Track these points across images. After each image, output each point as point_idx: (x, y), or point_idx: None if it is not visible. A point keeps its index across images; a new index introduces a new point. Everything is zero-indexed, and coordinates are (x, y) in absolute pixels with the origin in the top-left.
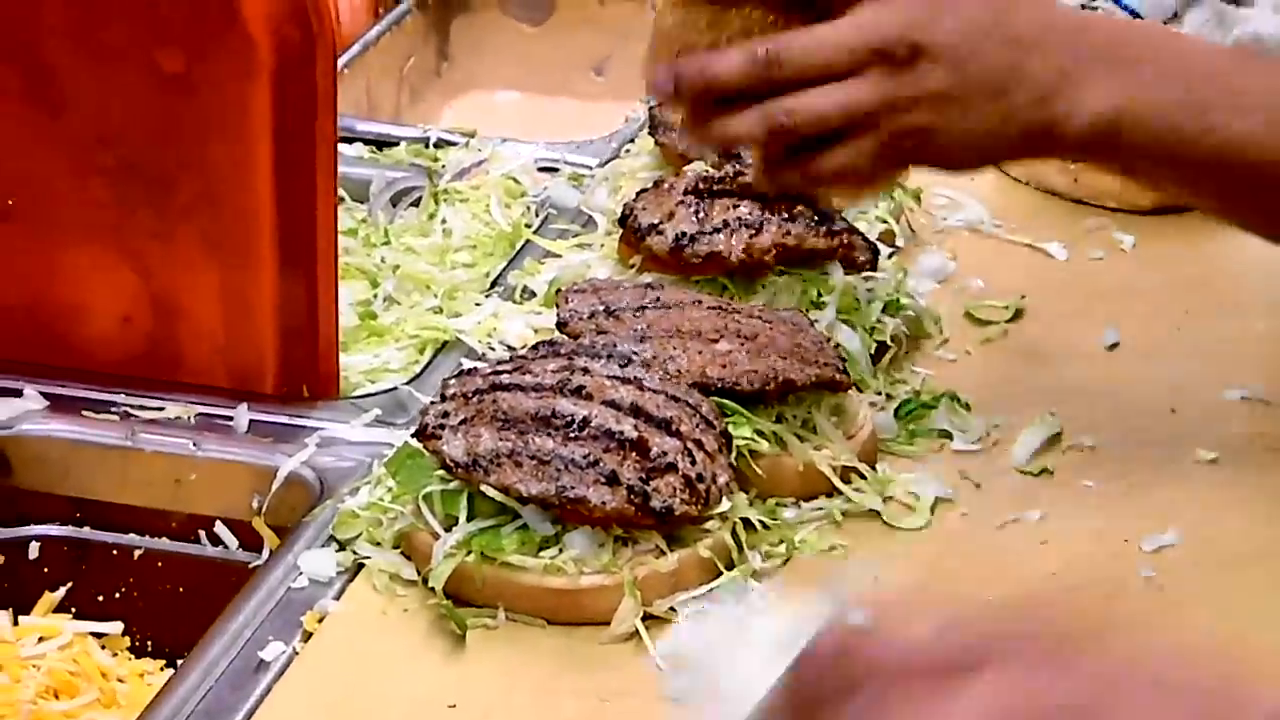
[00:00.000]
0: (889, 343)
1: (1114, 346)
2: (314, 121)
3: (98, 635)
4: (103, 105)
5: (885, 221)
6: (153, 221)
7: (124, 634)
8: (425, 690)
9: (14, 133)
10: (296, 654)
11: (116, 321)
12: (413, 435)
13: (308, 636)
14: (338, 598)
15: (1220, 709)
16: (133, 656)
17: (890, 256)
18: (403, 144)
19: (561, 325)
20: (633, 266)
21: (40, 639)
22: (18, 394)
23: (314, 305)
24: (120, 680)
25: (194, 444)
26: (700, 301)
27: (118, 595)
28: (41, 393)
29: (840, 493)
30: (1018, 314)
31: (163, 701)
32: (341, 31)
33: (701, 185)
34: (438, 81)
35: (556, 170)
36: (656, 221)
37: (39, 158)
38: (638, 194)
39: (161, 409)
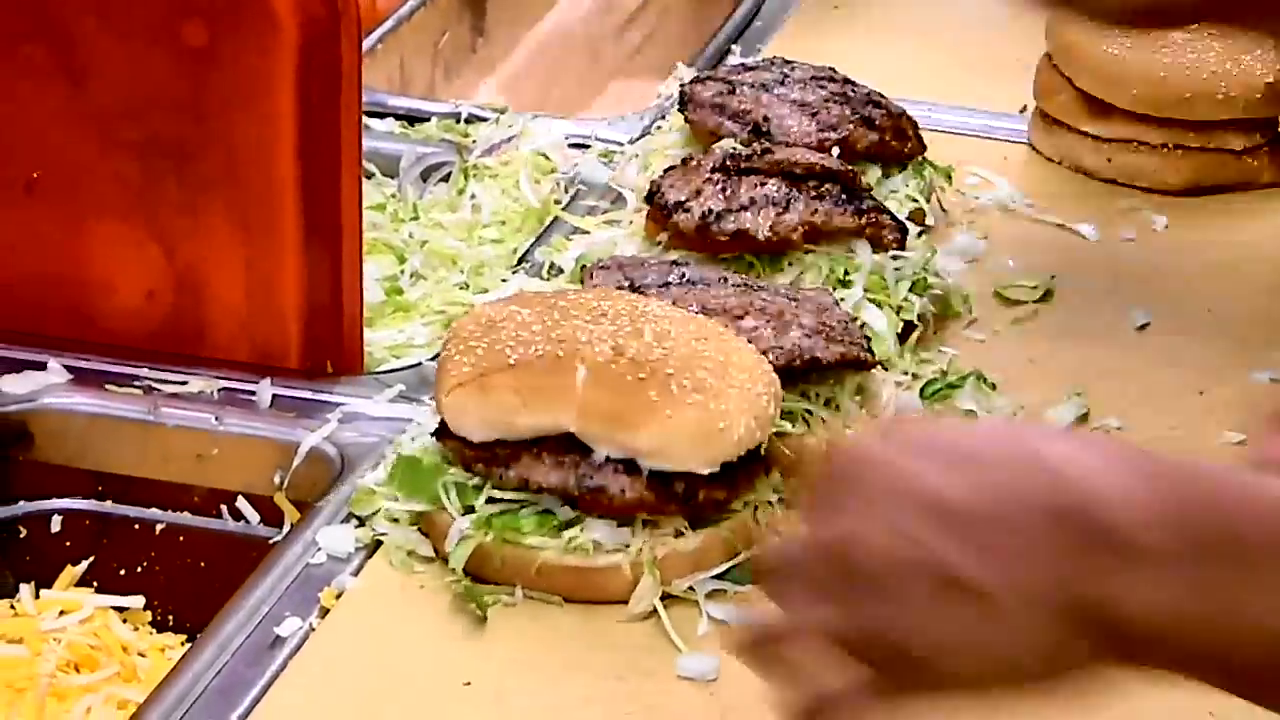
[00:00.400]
0: (916, 322)
1: (1144, 327)
2: (338, 97)
3: (119, 609)
4: (128, 79)
5: (915, 200)
6: (177, 196)
7: (145, 608)
8: (441, 667)
9: (40, 106)
10: (313, 630)
11: (141, 296)
12: (432, 434)
13: (325, 613)
14: (356, 574)
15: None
16: (154, 631)
17: (920, 235)
18: (434, 119)
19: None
20: (659, 244)
21: (61, 612)
22: (41, 367)
23: (338, 280)
24: (141, 655)
25: (216, 419)
26: (725, 279)
27: (139, 569)
28: (65, 366)
29: None
30: (1047, 294)
31: (177, 676)
32: (376, 6)
33: (729, 162)
34: (473, 57)
35: (588, 146)
36: (683, 198)
37: (64, 132)
38: (665, 171)
39: (185, 383)
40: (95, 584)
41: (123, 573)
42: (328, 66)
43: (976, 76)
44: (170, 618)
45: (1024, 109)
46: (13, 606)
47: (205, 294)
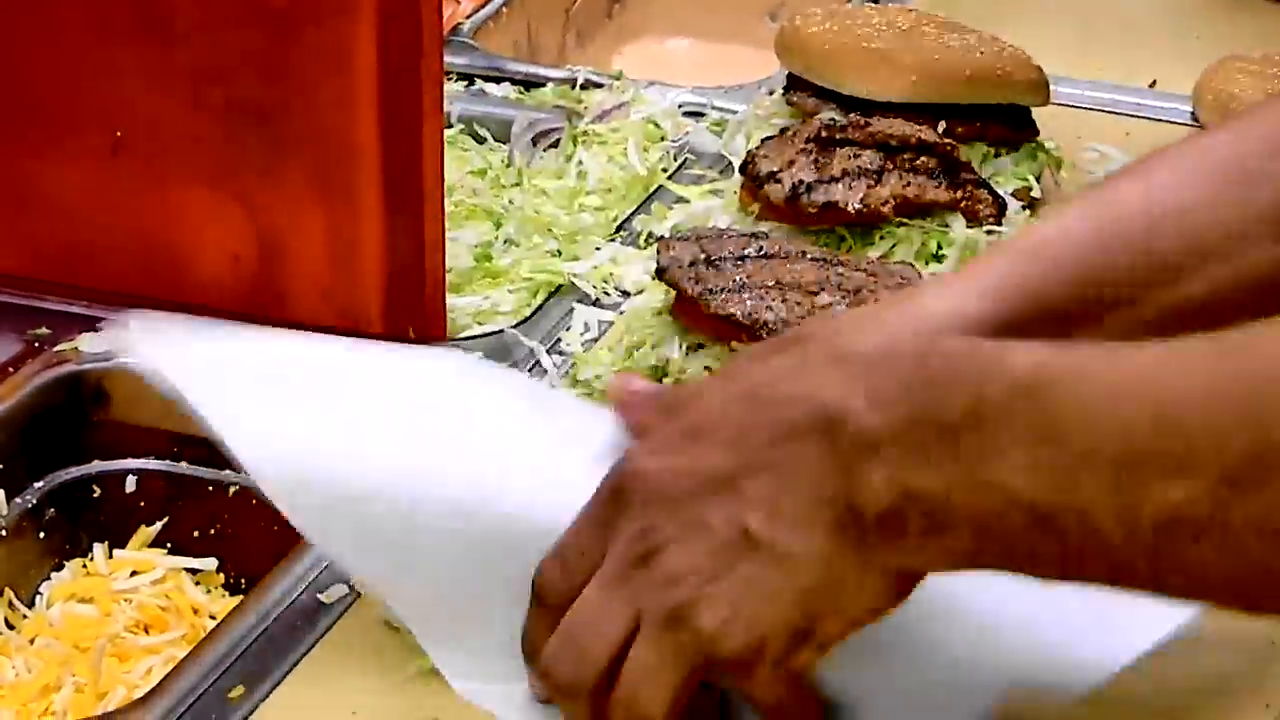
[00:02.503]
0: None
1: None
2: (419, 60)
3: (192, 571)
4: (210, 40)
5: (1024, 180)
6: (260, 159)
7: (218, 570)
8: None
9: (124, 65)
10: (359, 596)
11: (225, 259)
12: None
13: None
14: None
15: None
16: (226, 594)
17: (1025, 210)
18: (550, 85)
19: (660, 272)
20: (752, 214)
21: (134, 573)
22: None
23: (420, 245)
24: (212, 617)
25: None
26: (805, 253)
27: (213, 532)
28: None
29: None
30: None
31: (217, 639)
32: None
33: (825, 133)
34: (609, 25)
35: (703, 115)
36: (775, 169)
37: (149, 91)
38: (762, 141)
39: None
40: (169, 545)
41: (196, 534)
42: (409, 29)
43: (1105, 48)
44: (243, 580)
45: (1153, 83)
46: (85, 566)
47: (287, 258)
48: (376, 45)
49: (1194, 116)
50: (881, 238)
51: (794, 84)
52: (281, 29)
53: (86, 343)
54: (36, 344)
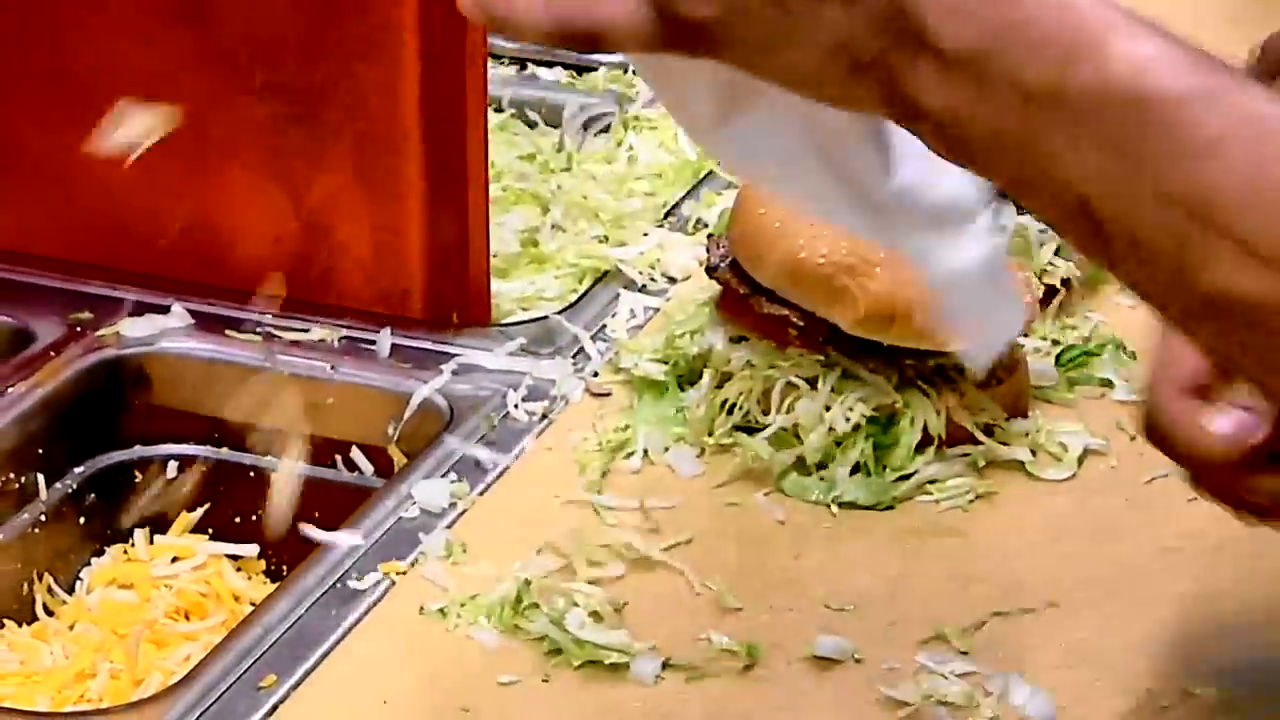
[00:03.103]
0: (1059, 286)
1: None
2: (463, 44)
3: (233, 558)
4: (251, 23)
5: None
6: (302, 142)
7: (259, 557)
8: None
9: (167, 49)
10: (394, 584)
11: (268, 242)
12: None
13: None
14: (450, 527)
15: None
16: (267, 580)
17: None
18: (602, 69)
19: (710, 270)
20: None
21: (175, 559)
22: (165, 311)
23: (464, 230)
24: (253, 603)
25: (331, 367)
26: None
27: (254, 518)
28: (189, 310)
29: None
30: None
31: (249, 625)
32: None
33: None
34: None
35: None
36: None
37: (192, 74)
38: None
39: (306, 330)
40: (210, 531)
41: (238, 520)
42: (451, 10)
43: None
44: (284, 568)
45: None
46: (125, 551)
47: (331, 242)
48: (419, 28)
49: None
50: None
51: None
52: (323, 11)
53: (128, 327)
54: (78, 328)
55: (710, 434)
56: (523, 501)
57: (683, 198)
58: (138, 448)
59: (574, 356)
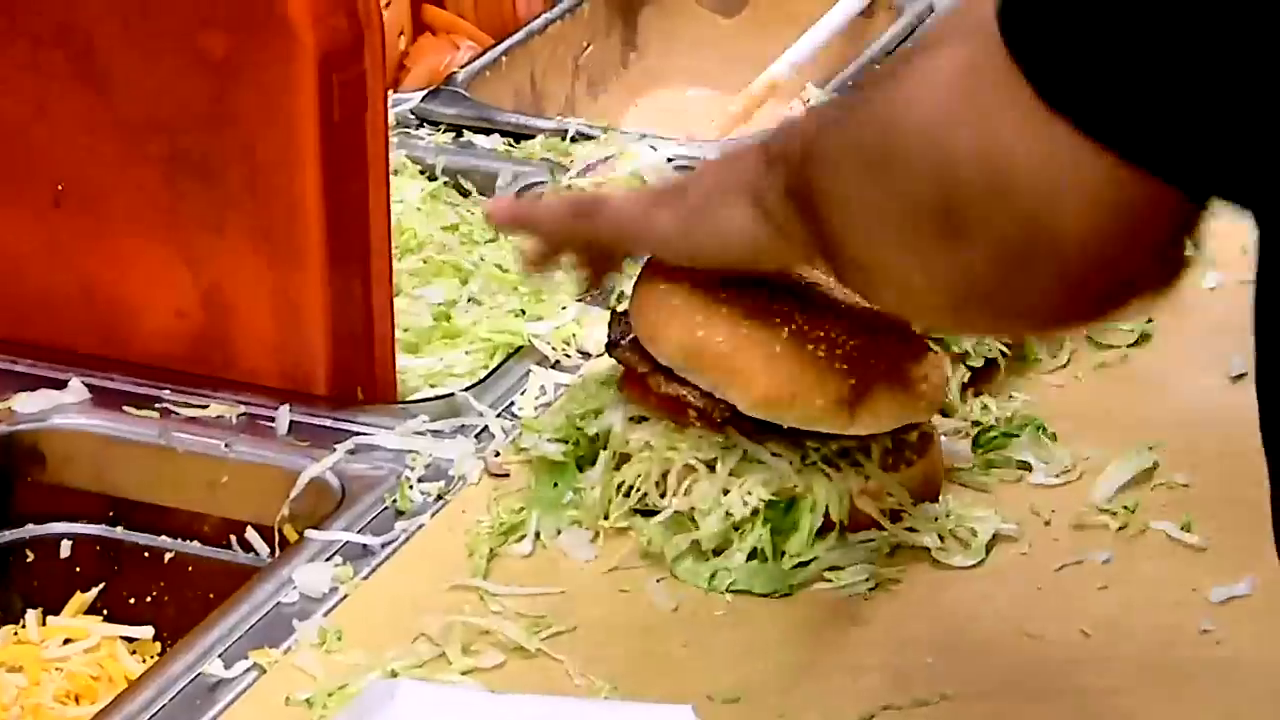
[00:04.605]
0: (983, 365)
1: (1240, 377)
2: (363, 113)
3: (128, 639)
4: (150, 90)
5: None
6: (202, 212)
7: (154, 639)
8: None
9: (63, 116)
10: (264, 672)
11: (169, 315)
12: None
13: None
14: (329, 612)
15: None
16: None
17: None
18: (540, 137)
19: (610, 348)
20: None
21: (67, 640)
22: (63, 385)
23: (368, 305)
24: None
25: (226, 445)
26: None
27: (149, 599)
28: (88, 385)
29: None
30: (1143, 338)
31: (107, 717)
32: (518, 17)
33: None
34: (625, 74)
35: (693, 169)
36: None
37: (89, 142)
38: None
39: (205, 407)
40: (105, 612)
41: (132, 601)
42: (350, 81)
43: None
44: None
45: None
46: (16, 633)
47: (232, 316)
48: (318, 96)
49: None
50: None
51: None
52: (220, 79)
53: (21, 402)
54: None
55: (606, 517)
56: (407, 586)
57: None
58: (30, 526)
59: (478, 435)
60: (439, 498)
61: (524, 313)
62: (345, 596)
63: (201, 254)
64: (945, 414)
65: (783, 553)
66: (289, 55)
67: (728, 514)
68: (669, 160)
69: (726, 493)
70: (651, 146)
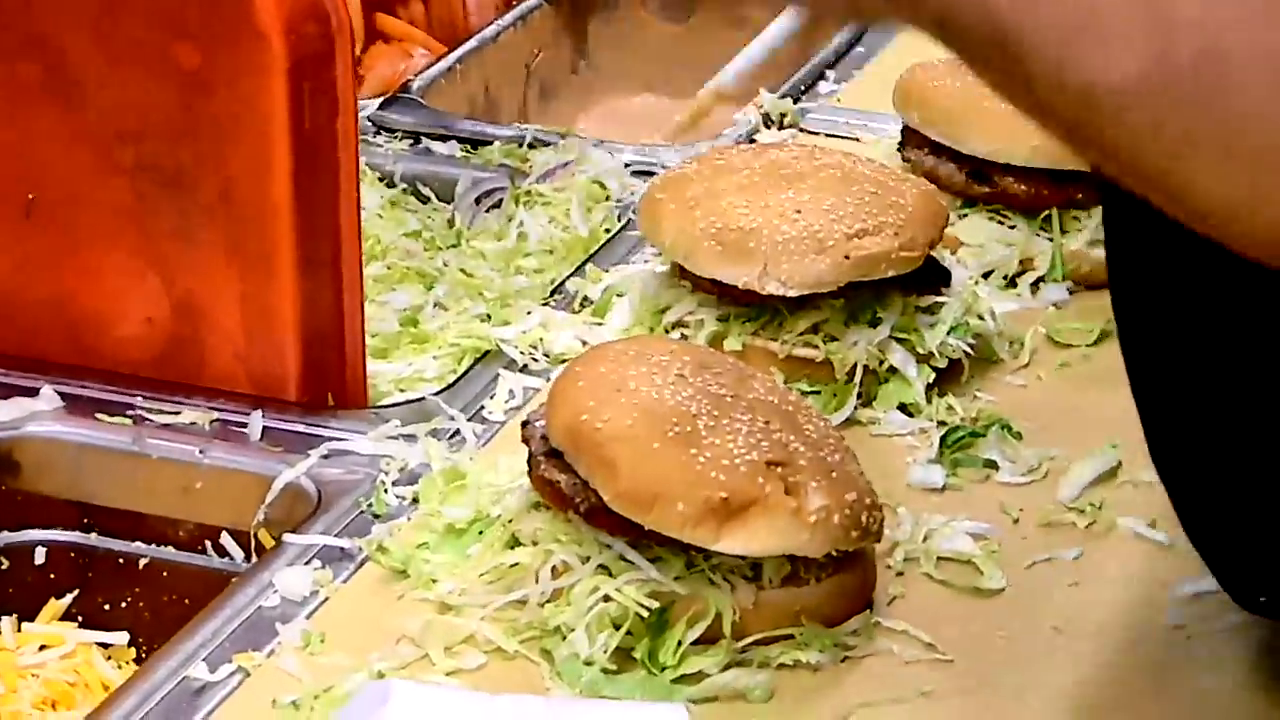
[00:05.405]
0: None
1: None
2: (334, 121)
3: (103, 645)
4: (121, 101)
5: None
6: (173, 221)
7: (130, 645)
8: None
9: (34, 127)
10: (248, 676)
11: (140, 323)
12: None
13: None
14: (309, 618)
15: None
16: (138, 669)
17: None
18: (497, 143)
19: (524, 425)
20: (685, 285)
21: (42, 647)
22: (35, 393)
23: (339, 310)
24: None
25: (200, 451)
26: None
27: (124, 605)
28: (59, 393)
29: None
30: (1103, 337)
31: None
32: (469, 24)
33: None
34: (575, 81)
35: (652, 174)
36: None
37: (60, 153)
38: None
39: (177, 414)
40: (80, 618)
41: (107, 607)
42: (321, 89)
43: None
44: None
45: None
46: None
47: (203, 323)
48: (289, 104)
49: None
50: (816, 308)
51: (908, 138)
52: (192, 89)
53: None
54: None
55: None
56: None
57: (569, 275)
58: (4, 534)
59: (450, 439)
60: (414, 501)
61: (490, 318)
62: (326, 600)
63: (173, 262)
64: (910, 414)
65: (664, 666)
66: (260, 64)
67: (587, 615)
68: (626, 166)
69: (595, 591)
70: (608, 153)
